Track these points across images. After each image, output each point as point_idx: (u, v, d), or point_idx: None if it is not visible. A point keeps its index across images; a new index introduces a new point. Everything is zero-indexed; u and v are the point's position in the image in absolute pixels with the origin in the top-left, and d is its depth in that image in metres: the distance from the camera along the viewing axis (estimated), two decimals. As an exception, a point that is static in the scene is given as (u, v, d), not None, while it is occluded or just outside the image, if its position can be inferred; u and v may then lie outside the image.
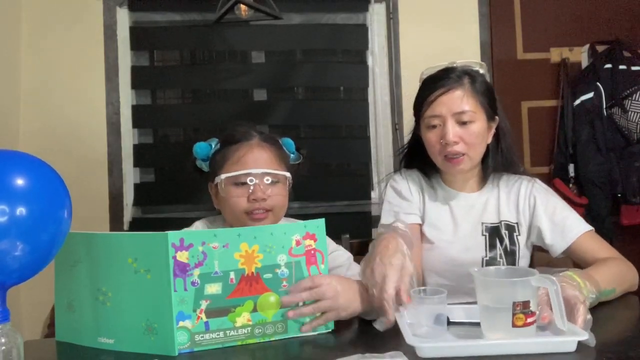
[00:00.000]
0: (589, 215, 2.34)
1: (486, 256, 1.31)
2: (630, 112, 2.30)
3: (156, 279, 0.90)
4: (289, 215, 1.44)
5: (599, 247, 1.25)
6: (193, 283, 0.91)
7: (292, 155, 1.35)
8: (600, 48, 2.44)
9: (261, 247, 0.94)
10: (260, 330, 0.96)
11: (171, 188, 2.36)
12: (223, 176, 1.24)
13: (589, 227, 1.28)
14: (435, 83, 1.29)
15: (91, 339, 0.98)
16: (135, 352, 0.93)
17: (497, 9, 2.50)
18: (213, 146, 1.30)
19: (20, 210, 0.69)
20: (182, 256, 0.89)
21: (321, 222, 0.98)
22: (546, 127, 2.49)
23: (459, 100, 1.24)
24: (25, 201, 0.70)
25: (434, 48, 2.32)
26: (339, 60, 2.57)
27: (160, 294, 0.90)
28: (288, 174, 1.29)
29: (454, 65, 1.33)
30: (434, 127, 1.27)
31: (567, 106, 2.41)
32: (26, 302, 2.16)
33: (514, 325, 0.84)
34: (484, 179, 1.37)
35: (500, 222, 1.33)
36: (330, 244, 1.35)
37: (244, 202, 1.23)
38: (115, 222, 2.29)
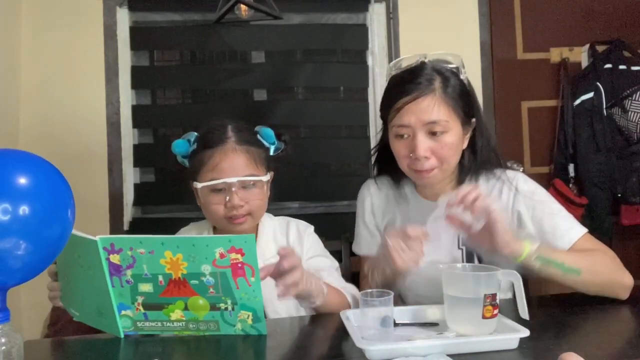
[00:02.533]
0: (589, 215, 2.35)
1: None
2: (630, 112, 2.30)
3: (96, 275, 0.97)
4: (286, 215, 1.44)
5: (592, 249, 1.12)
6: (127, 282, 0.97)
7: (272, 146, 1.33)
8: (600, 48, 2.44)
9: (185, 256, 0.94)
10: (194, 326, 1.01)
11: (171, 188, 2.35)
12: (200, 185, 1.24)
13: (582, 232, 1.14)
14: (402, 86, 1.13)
15: (67, 306, 1.09)
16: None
17: (497, 9, 2.50)
18: (191, 141, 1.30)
19: (23, 209, 0.69)
20: (115, 258, 0.95)
21: (250, 237, 0.92)
22: (546, 127, 2.49)
23: (429, 109, 1.10)
24: (29, 200, 0.70)
25: (434, 48, 2.30)
26: (339, 60, 2.56)
27: (101, 288, 0.98)
28: (265, 178, 1.26)
29: (424, 60, 1.18)
30: (402, 136, 1.14)
31: (567, 106, 2.41)
32: (26, 302, 2.16)
33: (483, 317, 0.88)
34: (460, 183, 1.23)
35: None
36: (316, 248, 1.35)
37: (221, 208, 1.23)
38: (115, 222, 2.28)
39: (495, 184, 1.23)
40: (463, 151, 1.20)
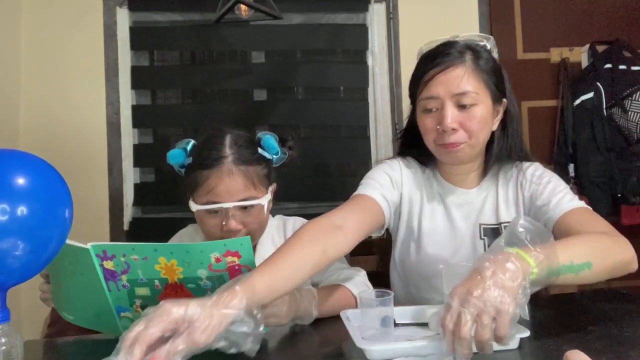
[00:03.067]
0: (589, 215, 2.34)
1: None
2: (630, 112, 2.30)
3: (90, 281, 0.94)
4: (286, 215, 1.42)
5: (585, 222, 1.03)
6: (124, 286, 0.95)
7: (274, 157, 1.24)
8: (600, 48, 2.44)
9: (179, 262, 0.92)
10: None
11: (171, 188, 2.33)
12: (194, 208, 1.19)
13: (579, 204, 1.08)
14: (432, 60, 1.11)
15: (60, 310, 1.07)
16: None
17: (497, 9, 2.50)
18: (188, 151, 1.24)
19: (21, 209, 0.69)
20: (109, 264, 0.93)
21: (246, 239, 0.90)
22: (546, 127, 2.49)
23: (459, 80, 1.07)
24: (26, 200, 0.70)
25: (434, 48, 2.32)
26: (339, 60, 2.57)
27: (97, 293, 0.95)
28: (264, 200, 1.19)
29: (456, 39, 1.16)
30: (430, 110, 1.11)
31: (567, 106, 2.42)
32: (26, 302, 2.16)
33: None
34: (485, 172, 1.21)
35: (499, 223, 1.18)
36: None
37: (218, 231, 1.18)
38: (115, 222, 2.29)
39: (510, 174, 1.21)
40: (492, 134, 1.16)
